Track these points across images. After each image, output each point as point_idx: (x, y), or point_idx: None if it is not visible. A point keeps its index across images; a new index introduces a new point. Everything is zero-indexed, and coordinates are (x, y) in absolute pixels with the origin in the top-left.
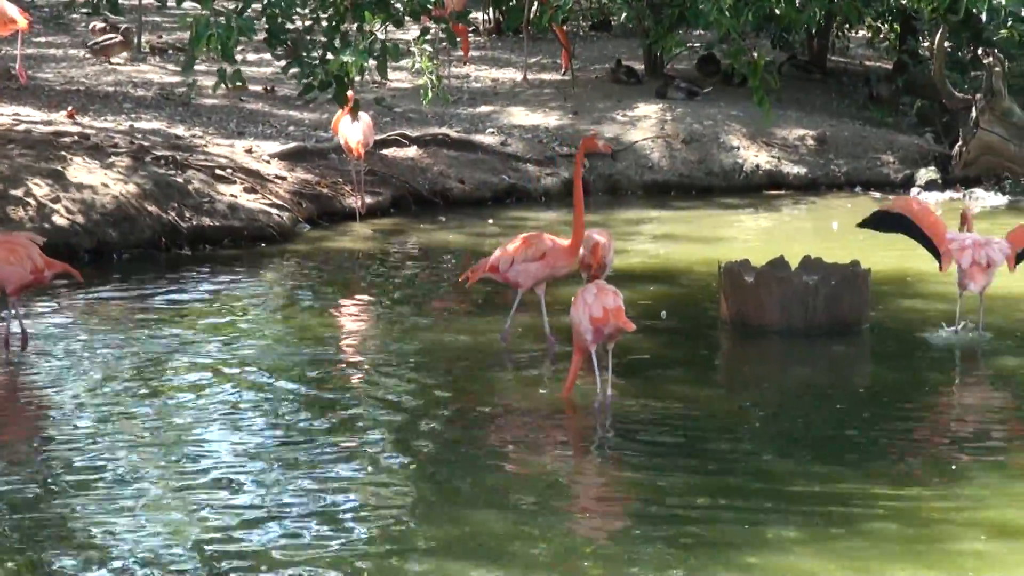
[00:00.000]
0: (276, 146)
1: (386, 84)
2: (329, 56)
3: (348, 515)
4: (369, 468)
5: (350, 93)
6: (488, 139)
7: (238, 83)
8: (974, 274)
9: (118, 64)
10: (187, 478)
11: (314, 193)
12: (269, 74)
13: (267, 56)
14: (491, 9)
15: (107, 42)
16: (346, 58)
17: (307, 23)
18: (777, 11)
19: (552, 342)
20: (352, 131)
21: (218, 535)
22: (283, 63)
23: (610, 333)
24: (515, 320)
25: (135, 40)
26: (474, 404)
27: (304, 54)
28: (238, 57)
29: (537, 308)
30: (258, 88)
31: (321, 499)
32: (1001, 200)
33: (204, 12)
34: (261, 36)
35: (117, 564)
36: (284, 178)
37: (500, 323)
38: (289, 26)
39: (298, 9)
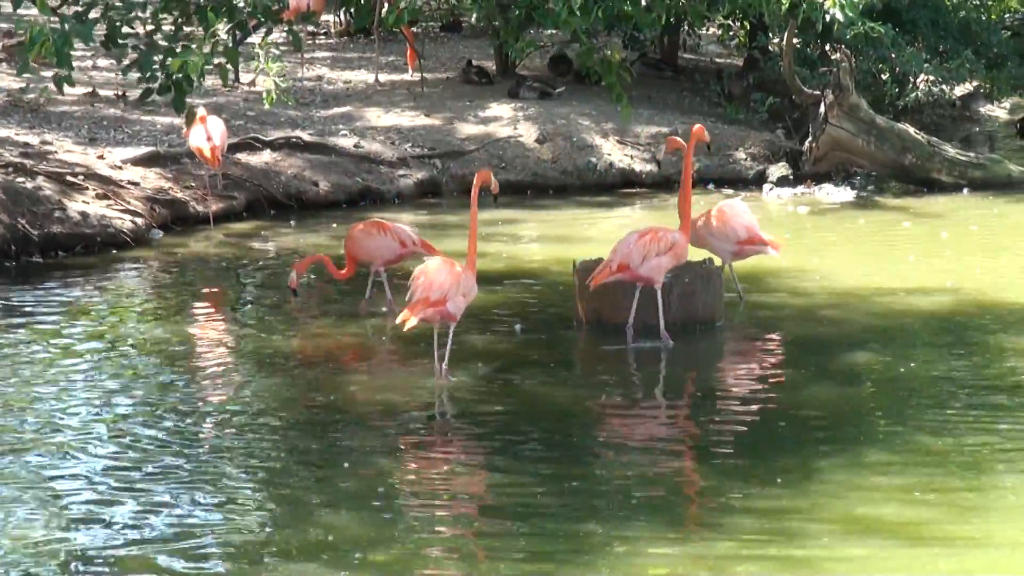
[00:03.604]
0: (129, 152)
1: (238, 88)
2: (169, 60)
3: (203, 522)
4: (223, 474)
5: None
6: (342, 141)
7: (69, 85)
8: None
9: None
10: (34, 490)
11: (167, 199)
12: (120, 79)
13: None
14: (342, 11)
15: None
16: (190, 58)
17: (149, 27)
18: (626, 8)
19: (666, 337)
20: (204, 137)
21: (71, 548)
22: (125, 64)
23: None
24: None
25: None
26: (331, 408)
27: (146, 59)
28: (87, 62)
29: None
30: (110, 93)
31: (175, 508)
32: (850, 195)
33: (41, 17)
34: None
35: None
36: (137, 184)
37: (353, 326)
38: (129, 30)
39: (138, 13)
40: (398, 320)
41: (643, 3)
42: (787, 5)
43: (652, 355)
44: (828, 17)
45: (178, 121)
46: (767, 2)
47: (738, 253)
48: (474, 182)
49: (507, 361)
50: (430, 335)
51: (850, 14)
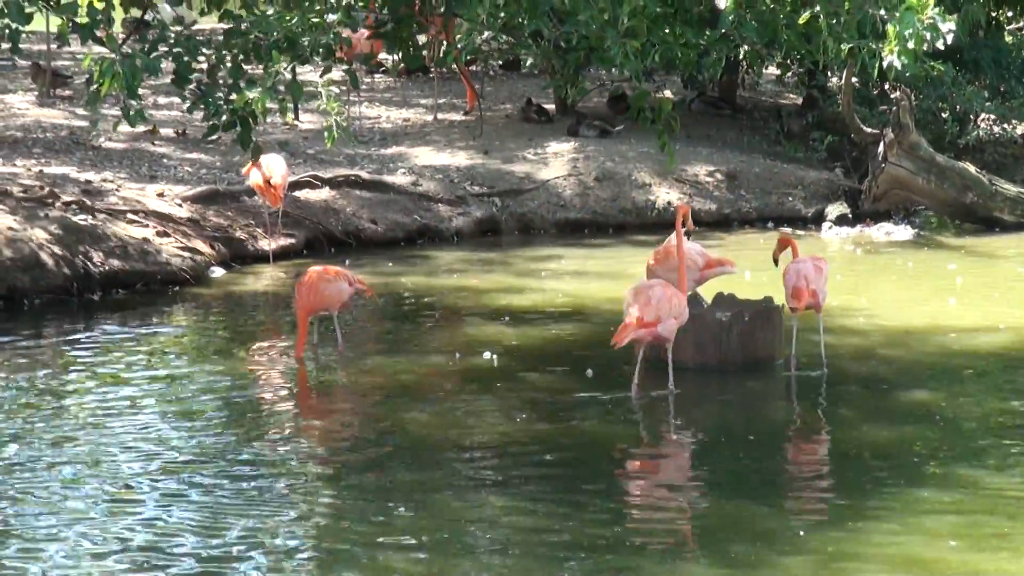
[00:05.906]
0: (188, 189)
1: (297, 126)
2: (233, 96)
3: (260, 560)
4: (278, 511)
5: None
6: (400, 179)
7: (141, 122)
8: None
9: (25, 108)
10: (89, 521)
11: (226, 236)
12: (180, 117)
13: (177, 99)
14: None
15: None
16: (252, 94)
17: (212, 63)
18: (680, 54)
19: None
20: (266, 175)
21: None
22: (189, 102)
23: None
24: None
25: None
26: (387, 444)
27: (209, 95)
28: (148, 100)
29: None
30: (169, 131)
31: (230, 545)
32: (908, 234)
33: (109, 53)
34: (170, 78)
35: None
36: (196, 221)
37: (408, 361)
38: (196, 65)
39: (204, 50)
40: (613, 340)
41: (701, 48)
42: (844, 52)
43: (709, 394)
44: (885, 64)
45: (237, 158)
46: (824, 48)
47: (699, 280)
48: (677, 214)
49: (565, 398)
50: (486, 373)
51: (907, 61)
